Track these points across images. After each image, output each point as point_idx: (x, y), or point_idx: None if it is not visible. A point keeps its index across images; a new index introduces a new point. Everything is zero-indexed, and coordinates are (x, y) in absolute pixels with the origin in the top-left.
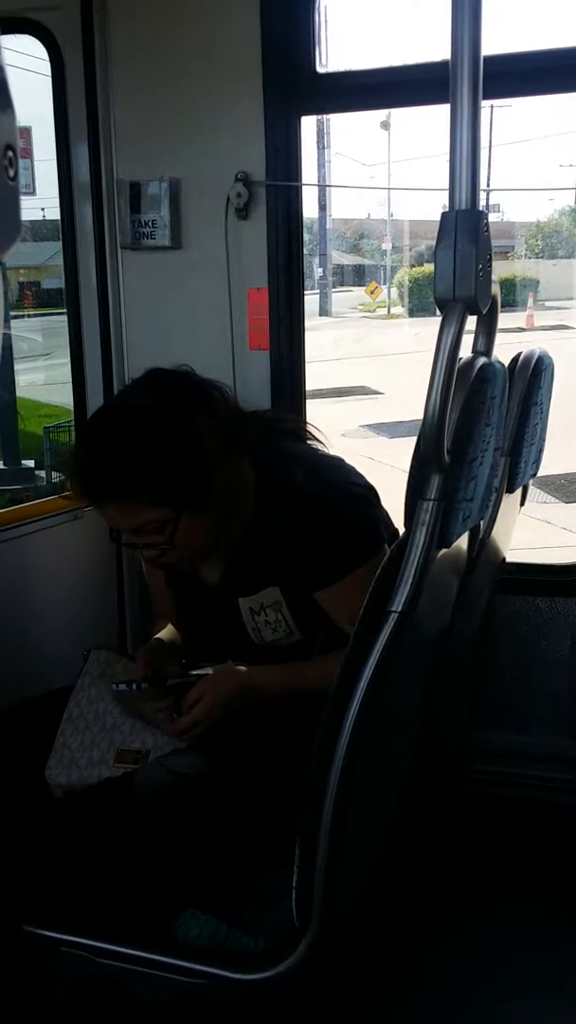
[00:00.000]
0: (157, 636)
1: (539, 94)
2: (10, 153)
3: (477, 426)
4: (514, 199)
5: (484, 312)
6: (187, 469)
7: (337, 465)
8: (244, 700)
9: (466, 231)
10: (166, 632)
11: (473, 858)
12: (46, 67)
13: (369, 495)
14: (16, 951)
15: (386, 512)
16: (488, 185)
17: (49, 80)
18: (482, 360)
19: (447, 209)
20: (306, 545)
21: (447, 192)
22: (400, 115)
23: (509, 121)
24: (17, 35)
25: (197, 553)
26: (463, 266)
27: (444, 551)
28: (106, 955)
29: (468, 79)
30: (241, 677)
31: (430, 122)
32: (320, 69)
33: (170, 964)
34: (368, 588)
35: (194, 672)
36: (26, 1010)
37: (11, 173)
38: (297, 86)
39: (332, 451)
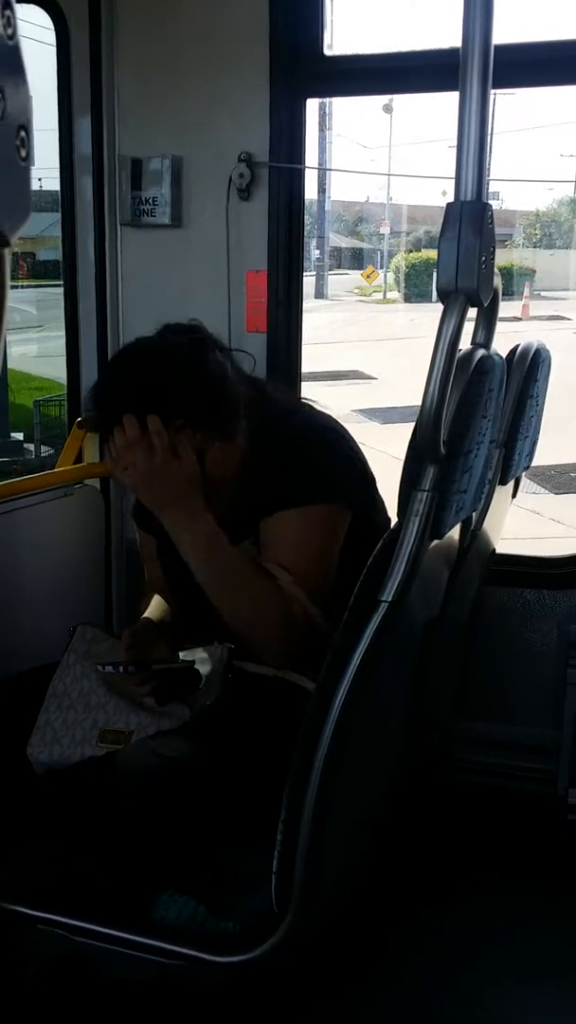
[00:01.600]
0: (145, 616)
1: (547, 85)
2: (23, 134)
3: (474, 418)
4: (514, 187)
5: (486, 304)
6: (222, 398)
7: (327, 419)
8: (177, 491)
9: (471, 222)
10: (154, 609)
11: (460, 846)
12: (46, 36)
13: (350, 452)
14: None
15: (373, 482)
16: (489, 173)
17: (50, 50)
18: (481, 352)
19: (451, 199)
20: (268, 475)
21: (447, 179)
22: (403, 98)
23: (511, 109)
24: (23, 4)
25: (188, 483)
26: (466, 258)
27: (436, 542)
28: (83, 934)
29: (478, 72)
30: (192, 489)
31: (433, 107)
32: (327, 52)
33: (147, 944)
34: (311, 532)
35: (180, 655)
36: (2, 985)
37: (23, 154)
38: (303, 69)
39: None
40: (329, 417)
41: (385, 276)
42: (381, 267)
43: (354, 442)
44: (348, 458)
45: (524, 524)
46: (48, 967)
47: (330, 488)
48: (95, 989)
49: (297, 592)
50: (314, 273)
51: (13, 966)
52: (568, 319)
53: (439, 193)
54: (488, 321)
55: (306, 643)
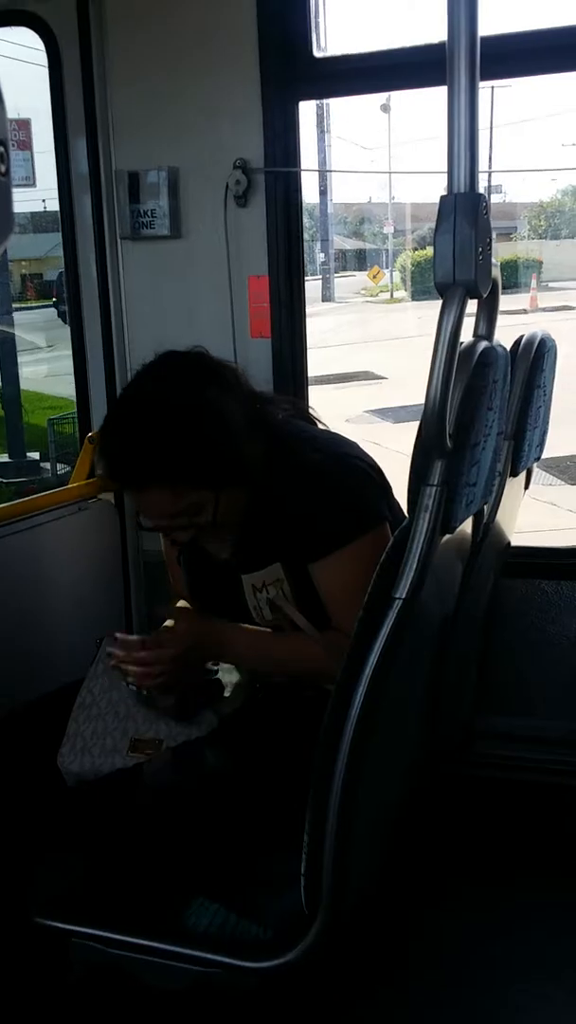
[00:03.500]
0: (165, 624)
1: (537, 74)
2: (1, 149)
3: (479, 411)
4: (516, 179)
5: (485, 296)
6: (223, 449)
7: (338, 440)
8: (208, 651)
9: (465, 214)
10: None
11: (481, 842)
12: (44, 58)
13: (370, 470)
14: (28, 942)
15: (391, 491)
16: (490, 166)
17: (45, 71)
18: (483, 344)
19: (446, 192)
20: (302, 514)
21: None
22: (400, 97)
23: (510, 101)
24: (14, 27)
25: (231, 527)
26: (463, 250)
27: (448, 536)
28: (117, 945)
29: (465, 62)
30: (211, 629)
31: (431, 103)
32: (318, 53)
33: (180, 953)
34: (363, 565)
35: (204, 667)
36: (38, 1001)
37: (2, 168)
38: (294, 71)
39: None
40: (339, 437)
41: (391, 275)
42: (386, 267)
43: (367, 455)
44: (371, 477)
45: (541, 516)
46: (84, 980)
47: (371, 517)
48: (131, 1000)
49: (341, 640)
50: (320, 277)
51: (49, 981)
52: None
53: (442, 189)
54: (489, 313)
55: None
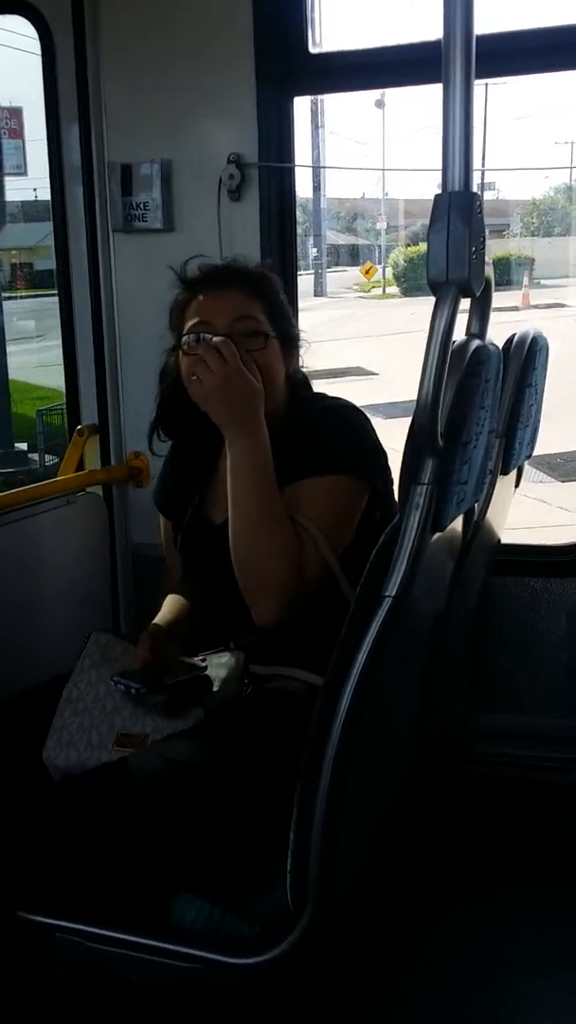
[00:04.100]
0: (155, 621)
1: (532, 72)
2: None
3: (471, 409)
4: (509, 177)
5: (478, 295)
6: (288, 310)
7: (353, 406)
8: (243, 397)
9: (459, 213)
10: (166, 613)
11: (473, 840)
12: (36, 46)
13: (376, 443)
14: (11, 937)
15: (391, 480)
16: (483, 163)
17: (39, 59)
18: (476, 343)
19: (440, 190)
20: (295, 444)
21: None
22: (395, 93)
23: (504, 98)
24: (7, 16)
25: (256, 395)
26: (456, 248)
27: (438, 535)
28: (101, 940)
29: (461, 60)
30: (256, 389)
31: (426, 99)
32: (313, 49)
33: (165, 949)
34: (334, 499)
35: (192, 661)
36: (21, 996)
37: None
38: (289, 67)
39: None
40: (354, 404)
41: (383, 271)
42: (379, 262)
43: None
44: (373, 443)
45: (531, 512)
46: (68, 976)
47: (356, 464)
48: (114, 995)
49: (320, 540)
50: (312, 272)
51: (32, 975)
52: (568, 306)
53: (435, 186)
54: (481, 311)
55: (313, 597)
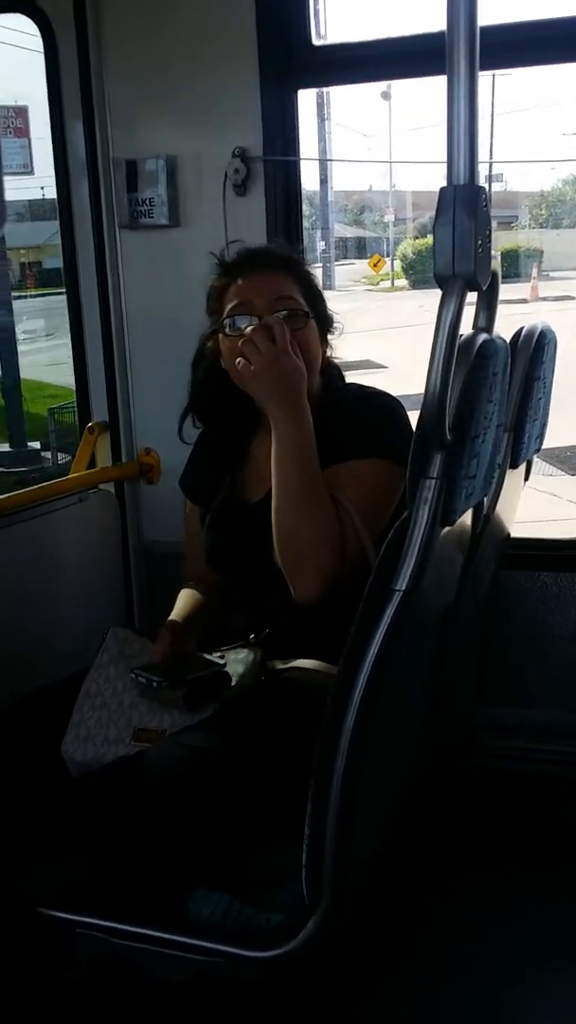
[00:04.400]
0: (172, 617)
1: (537, 64)
2: None
3: (479, 403)
4: (517, 168)
5: (484, 288)
6: (321, 293)
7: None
8: (289, 379)
9: (465, 206)
10: (181, 608)
11: (481, 833)
12: (39, 44)
13: (411, 423)
14: (32, 933)
15: None
16: (491, 156)
17: (42, 57)
18: (483, 336)
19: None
20: (336, 426)
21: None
22: (402, 84)
23: (511, 89)
24: (10, 15)
25: (302, 376)
26: (462, 242)
27: (447, 529)
28: (121, 935)
29: (464, 52)
30: (302, 375)
31: (432, 90)
32: (316, 41)
33: (184, 943)
34: (372, 484)
35: (210, 657)
36: (43, 992)
37: None
38: (293, 59)
39: None
40: (390, 393)
41: (392, 264)
42: (387, 255)
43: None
44: (411, 430)
45: (541, 506)
46: (88, 971)
47: (397, 449)
48: (136, 990)
49: (358, 522)
50: (320, 265)
51: (53, 971)
52: None
53: (443, 177)
54: (488, 305)
55: (351, 578)
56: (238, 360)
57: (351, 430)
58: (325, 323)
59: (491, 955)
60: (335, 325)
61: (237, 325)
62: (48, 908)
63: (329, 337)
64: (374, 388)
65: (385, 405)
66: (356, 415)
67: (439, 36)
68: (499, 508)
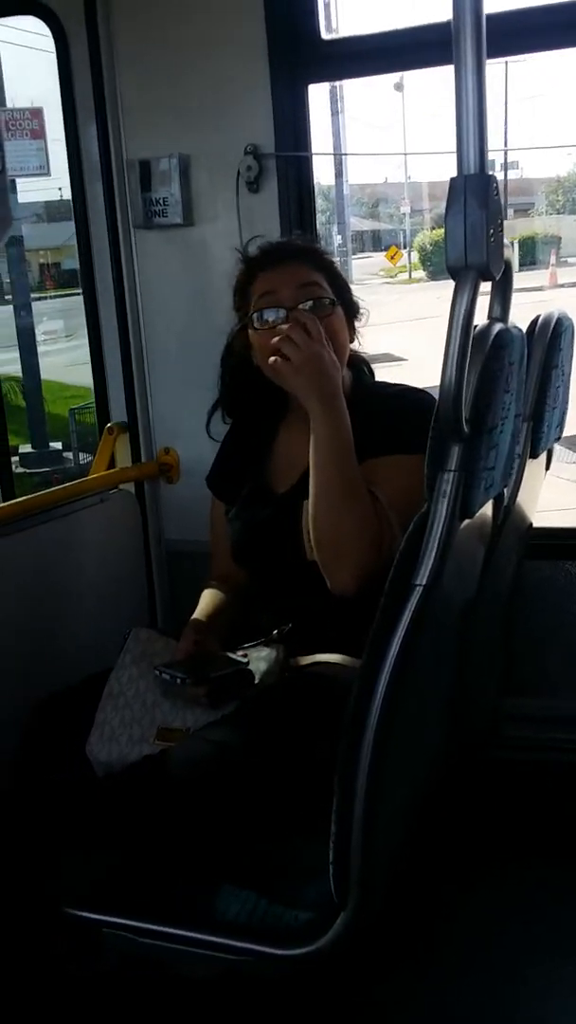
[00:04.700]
0: (195, 616)
1: (545, 50)
2: None
3: (496, 394)
4: (533, 155)
5: (497, 278)
6: (345, 280)
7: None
8: (326, 372)
9: (475, 195)
10: (206, 606)
11: (506, 824)
12: (52, 46)
13: None
14: (58, 933)
15: None
16: (505, 143)
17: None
18: (498, 326)
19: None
20: (372, 421)
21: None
22: (414, 75)
23: (525, 76)
24: (20, 16)
25: (337, 369)
26: (474, 232)
27: (468, 521)
28: (148, 935)
29: (471, 40)
30: (336, 369)
31: (446, 80)
32: (326, 35)
33: (211, 942)
34: (412, 482)
35: (234, 656)
36: (69, 991)
37: None
38: (303, 54)
39: None
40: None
41: (409, 255)
42: (404, 247)
43: None
44: None
45: (563, 494)
46: (115, 971)
47: None
48: (162, 989)
49: (393, 516)
50: (337, 259)
51: (81, 971)
52: None
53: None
54: (503, 294)
55: (385, 573)
56: (273, 358)
57: (387, 425)
58: (351, 310)
59: (512, 945)
60: (361, 311)
61: (265, 318)
62: (74, 908)
63: (356, 324)
64: (408, 385)
65: (421, 401)
66: (392, 411)
67: (447, 26)
68: (520, 498)
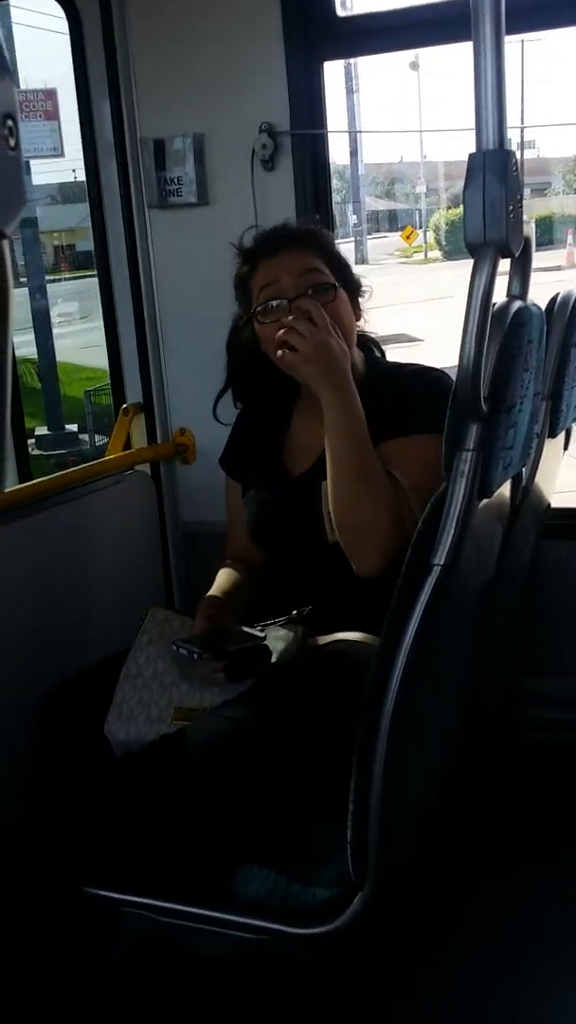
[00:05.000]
0: (210, 594)
1: (564, 26)
2: (9, 122)
3: (515, 372)
4: (549, 134)
5: (517, 255)
6: (346, 260)
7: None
8: (335, 358)
9: (495, 172)
10: (222, 584)
11: (525, 806)
12: (65, 26)
13: None
14: (77, 913)
15: None
16: (522, 121)
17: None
18: (517, 304)
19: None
20: (390, 402)
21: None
22: (430, 53)
23: (542, 56)
24: None
25: (344, 354)
26: (493, 208)
27: (485, 501)
28: (167, 914)
29: (490, 16)
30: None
31: (462, 57)
32: (341, 12)
33: (229, 921)
34: (433, 462)
35: (251, 631)
36: (89, 970)
37: (12, 143)
38: (318, 31)
39: None
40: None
41: (425, 235)
42: (420, 226)
43: None
44: None
45: None
46: (134, 950)
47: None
48: (181, 967)
49: (411, 496)
50: (352, 239)
51: (99, 951)
52: None
53: (474, 146)
54: (522, 272)
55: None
56: (281, 351)
57: (402, 407)
58: (354, 289)
59: (533, 928)
60: (363, 289)
61: (268, 309)
62: (93, 887)
63: (360, 302)
64: (421, 364)
65: (435, 380)
66: (407, 391)
67: (464, 2)
68: (538, 478)
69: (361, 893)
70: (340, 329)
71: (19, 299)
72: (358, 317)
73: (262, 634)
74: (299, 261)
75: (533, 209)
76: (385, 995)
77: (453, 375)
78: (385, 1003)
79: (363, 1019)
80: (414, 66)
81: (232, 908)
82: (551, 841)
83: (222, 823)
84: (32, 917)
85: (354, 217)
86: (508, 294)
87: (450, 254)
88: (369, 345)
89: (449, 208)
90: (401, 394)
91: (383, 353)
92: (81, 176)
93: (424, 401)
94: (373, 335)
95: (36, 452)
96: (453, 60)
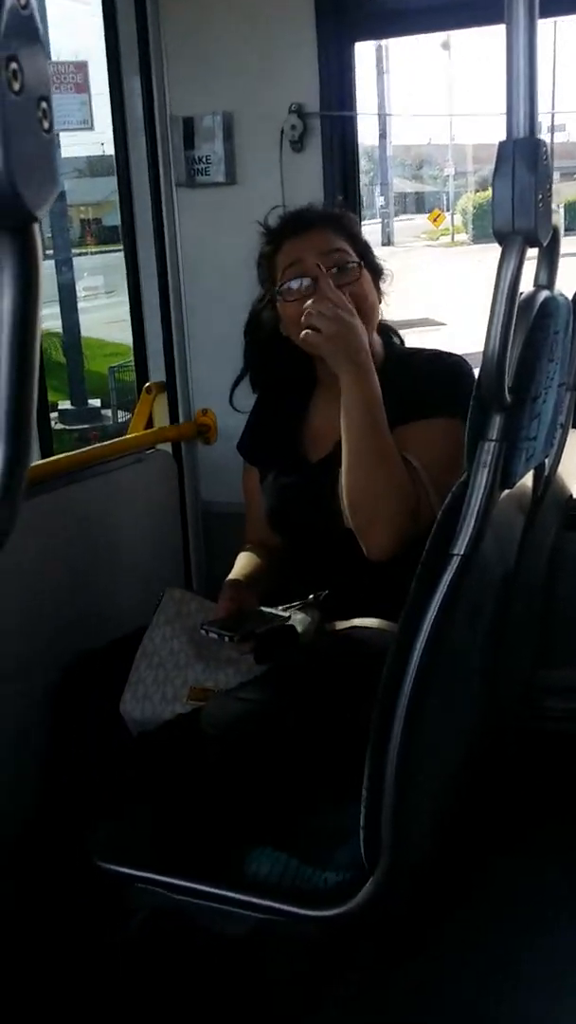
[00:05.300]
0: (232, 577)
1: None
2: (44, 105)
3: (540, 362)
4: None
5: (545, 244)
6: (368, 242)
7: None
8: (354, 338)
9: (524, 160)
10: (243, 567)
11: (545, 795)
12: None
13: None
14: (91, 887)
15: None
16: (553, 106)
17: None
18: (544, 294)
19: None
20: (407, 386)
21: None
22: (461, 34)
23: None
24: None
25: (364, 336)
26: (522, 197)
27: (507, 491)
28: (179, 891)
29: (524, 1)
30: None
31: (494, 39)
32: None
33: (241, 900)
34: (449, 441)
35: (275, 612)
36: (100, 945)
37: (46, 126)
38: (349, 12)
39: None
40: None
41: (452, 218)
42: (447, 209)
43: None
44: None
45: None
46: (145, 925)
47: (464, 409)
48: (191, 945)
49: (427, 481)
50: (379, 220)
51: (111, 925)
52: None
53: (504, 129)
54: (549, 261)
55: (422, 539)
56: (304, 332)
57: (419, 390)
58: (376, 272)
59: (551, 916)
60: (384, 273)
61: (292, 288)
62: (107, 862)
63: (382, 285)
64: (438, 349)
65: (452, 364)
66: (423, 376)
67: None
68: (562, 469)
69: (372, 878)
70: (363, 308)
71: (45, 271)
72: (380, 300)
73: (287, 615)
74: (324, 241)
75: (563, 194)
76: (394, 981)
77: (477, 361)
78: (394, 989)
79: (370, 1003)
80: (445, 46)
81: (244, 887)
82: (568, 832)
83: (236, 804)
84: (48, 890)
85: (381, 199)
86: (535, 283)
87: (477, 237)
88: (387, 332)
89: (477, 191)
90: (417, 378)
91: (402, 340)
92: (109, 150)
93: (439, 386)
94: (391, 322)
95: (59, 426)
96: (485, 39)
